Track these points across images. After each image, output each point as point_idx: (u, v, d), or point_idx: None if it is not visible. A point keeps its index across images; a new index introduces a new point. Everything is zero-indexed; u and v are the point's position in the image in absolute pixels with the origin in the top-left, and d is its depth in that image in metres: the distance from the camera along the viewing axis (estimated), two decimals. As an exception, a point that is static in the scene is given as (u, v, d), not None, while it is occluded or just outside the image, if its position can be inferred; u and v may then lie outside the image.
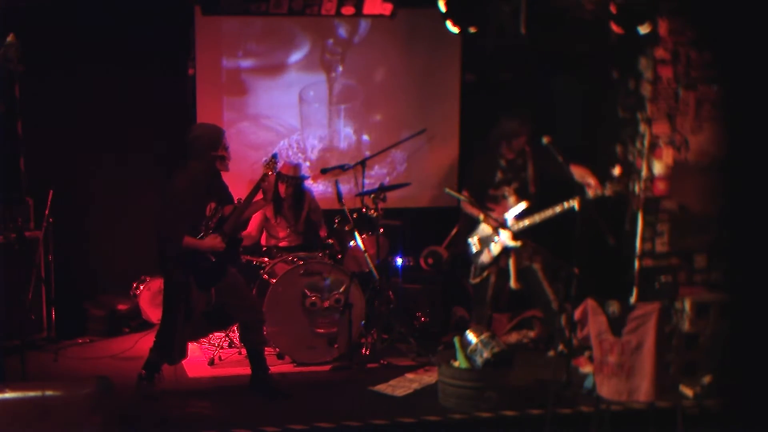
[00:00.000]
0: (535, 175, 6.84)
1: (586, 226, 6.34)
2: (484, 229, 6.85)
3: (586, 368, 6.55)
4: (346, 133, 8.17)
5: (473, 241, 6.91)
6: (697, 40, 6.99)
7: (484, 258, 6.86)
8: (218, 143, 5.97)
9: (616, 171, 6.48)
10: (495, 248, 6.81)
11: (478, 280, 6.92)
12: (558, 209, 6.58)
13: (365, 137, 8.19)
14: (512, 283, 6.82)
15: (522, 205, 6.74)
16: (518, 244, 6.71)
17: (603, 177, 6.57)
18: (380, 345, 7.02)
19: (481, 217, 6.79)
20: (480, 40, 7.33)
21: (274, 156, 6.36)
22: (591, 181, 6.48)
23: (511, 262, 6.80)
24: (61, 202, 7.05)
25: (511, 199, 6.82)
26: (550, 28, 6.91)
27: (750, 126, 6.80)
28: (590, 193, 6.46)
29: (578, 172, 6.50)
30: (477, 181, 6.96)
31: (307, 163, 8.00)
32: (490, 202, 6.88)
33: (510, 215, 6.76)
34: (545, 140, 6.38)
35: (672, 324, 6.60)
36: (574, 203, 6.35)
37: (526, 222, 6.73)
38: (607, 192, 6.47)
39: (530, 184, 6.84)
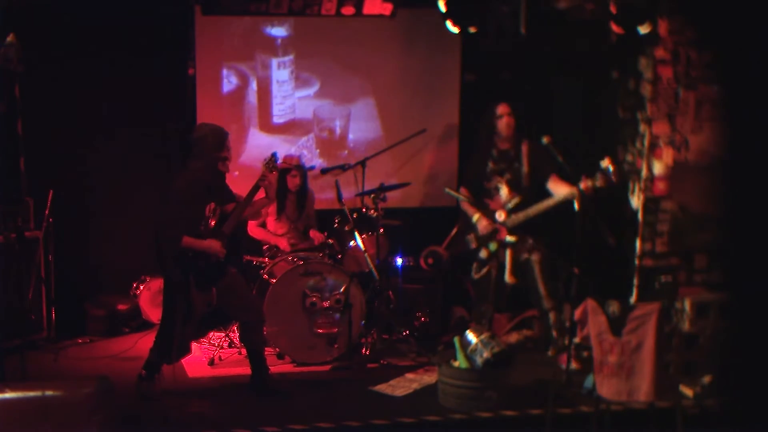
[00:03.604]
0: (530, 170, 6.88)
1: (586, 226, 6.34)
2: (481, 226, 6.89)
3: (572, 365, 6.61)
4: (345, 133, 8.16)
5: (470, 239, 6.95)
6: (697, 40, 6.98)
7: (482, 254, 6.91)
8: (223, 144, 5.98)
9: (605, 162, 6.46)
10: (492, 245, 6.86)
11: (480, 275, 6.93)
12: (552, 202, 6.68)
13: (365, 137, 8.19)
14: (507, 277, 6.84)
15: (515, 200, 6.80)
16: (514, 239, 6.77)
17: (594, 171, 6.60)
18: (380, 345, 7.02)
19: (475, 218, 6.85)
20: (480, 40, 7.33)
21: (273, 155, 6.36)
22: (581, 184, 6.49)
23: (508, 256, 6.83)
24: (61, 202, 7.05)
25: (504, 192, 6.85)
26: (550, 28, 6.91)
27: (750, 126, 6.80)
28: (582, 186, 6.45)
29: (564, 190, 6.66)
30: (472, 176, 7.03)
31: (313, 164, 7.97)
32: (485, 197, 6.93)
33: (501, 215, 6.81)
34: (545, 140, 6.39)
35: (672, 324, 6.60)
36: (568, 196, 6.48)
37: (521, 216, 6.78)
38: (598, 183, 6.46)
39: (524, 178, 6.88)
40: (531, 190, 6.87)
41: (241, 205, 6.15)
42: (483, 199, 6.92)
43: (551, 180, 6.81)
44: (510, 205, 6.84)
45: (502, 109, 6.92)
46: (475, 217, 6.88)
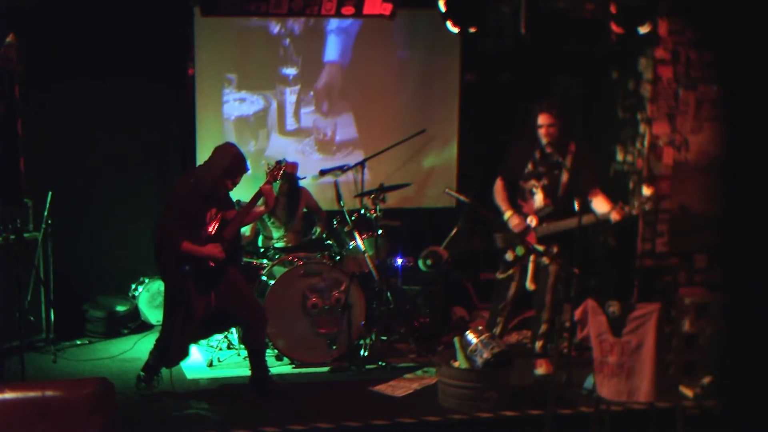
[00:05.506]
0: (569, 179, 6.43)
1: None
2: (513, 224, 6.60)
3: (541, 369, 6.58)
4: (345, 134, 8.16)
5: (498, 237, 6.66)
6: (697, 40, 6.99)
7: (508, 256, 6.64)
8: (235, 174, 5.96)
9: (647, 191, 6.22)
10: (519, 249, 6.58)
11: (504, 275, 6.70)
12: (586, 221, 6.25)
13: (365, 138, 8.18)
14: (528, 283, 6.61)
15: (548, 209, 6.49)
16: (542, 248, 6.43)
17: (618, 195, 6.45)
18: (380, 345, 7.01)
19: (507, 215, 6.56)
20: (480, 40, 7.33)
21: (279, 162, 6.36)
22: (613, 214, 6.25)
23: (531, 261, 6.57)
24: (60, 204, 7.04)
25: (538, 197, 6.53)
26: (550, 28, 6.90)
27: (750, 126, 6.79)
28: (616, 216, 6.22)
29: (605, 209, 6.32)
30: (511, 170, 6.67)
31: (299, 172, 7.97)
32: (519, 197, 6.63)
33: (533, 221, 6.51)
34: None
35: (672, 324, 6.59)
36: (605, 218, 6.25)
37: (551, 228, 6.44)
38: (635, 211, 6.21)
39: (562, 188, 6.46)
40: (566, 200, 6.34)
41: (244, 210, 6.14)
42: (516, 199, 6.63)
43: (593, 193, 6.41)
44: (542, 213, 6.50)
45: (542, 119, 6.41)
46: (508, 214, 6.56)
